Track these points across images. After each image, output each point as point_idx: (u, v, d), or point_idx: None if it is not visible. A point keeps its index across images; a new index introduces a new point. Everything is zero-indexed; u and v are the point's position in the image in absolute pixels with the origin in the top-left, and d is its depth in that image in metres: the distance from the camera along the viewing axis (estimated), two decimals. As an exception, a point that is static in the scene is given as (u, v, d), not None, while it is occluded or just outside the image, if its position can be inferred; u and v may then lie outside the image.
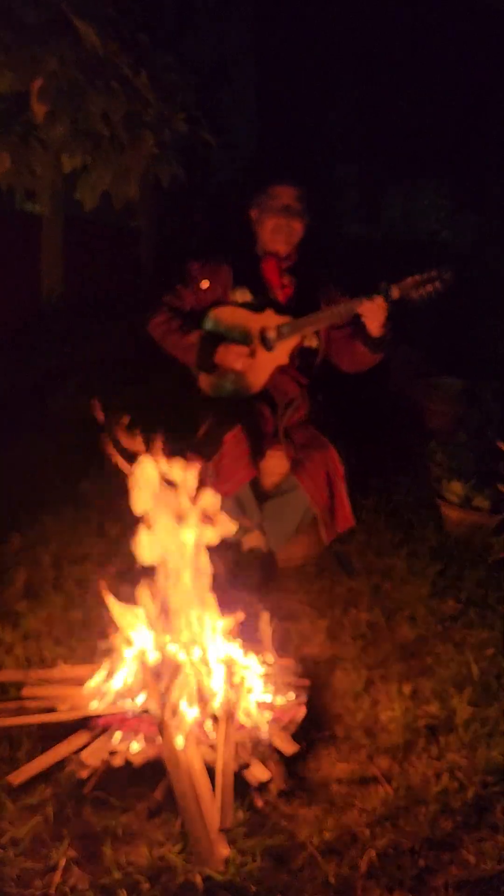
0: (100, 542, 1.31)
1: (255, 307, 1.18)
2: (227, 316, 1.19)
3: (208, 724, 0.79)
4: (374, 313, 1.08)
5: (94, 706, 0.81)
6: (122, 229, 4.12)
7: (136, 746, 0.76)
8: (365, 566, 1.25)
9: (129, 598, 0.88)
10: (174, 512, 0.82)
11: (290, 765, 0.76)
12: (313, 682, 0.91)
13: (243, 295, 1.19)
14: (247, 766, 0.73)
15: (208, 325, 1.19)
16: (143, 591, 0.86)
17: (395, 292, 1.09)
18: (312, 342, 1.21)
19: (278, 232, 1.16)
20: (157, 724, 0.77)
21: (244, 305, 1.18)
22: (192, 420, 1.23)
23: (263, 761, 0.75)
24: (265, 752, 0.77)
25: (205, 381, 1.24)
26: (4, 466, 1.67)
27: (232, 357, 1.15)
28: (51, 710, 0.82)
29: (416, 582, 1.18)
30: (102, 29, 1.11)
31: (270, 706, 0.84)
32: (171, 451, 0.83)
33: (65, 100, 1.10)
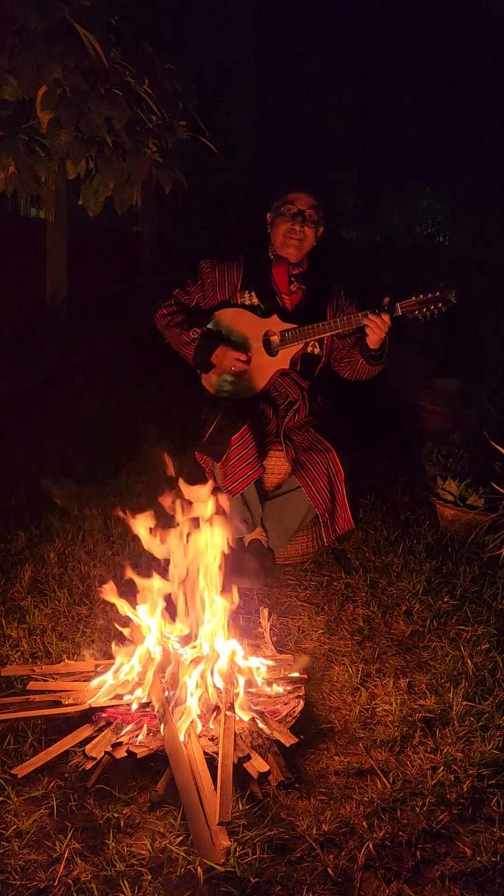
0: (103, 539, 1.32)
1: (262, 311, 1.20)
2: (230, 319, 1.21)
3: (209, 716, 0.80)
4: (377, 327, 1.11)
5: (98, 700, 0.83)
6: (125, 234, 4.16)
7: (138, 739, 0.78)
8: (362, 563, 1.27)
9: (132, 594, 0.90)
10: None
11: (288, 757, 0.78)
12: (311, 675, 0.93)
13: (250, 298, 1.21)
14: (247, 758, 0.74)
15: (211, 325, 1.21)
16: (146, 586, 0.88)
17: (398, 309, 1.11)
18: (315, 349, 1.23)
19: (290, 237, 1.17)
20: (159, 718, 0.78)
21: (250, 308, 1.20)
22: (196, 420, 1.25)
23: (263, 754, 0.76)
24: (265, 744, 0.78)
25: (207, 380, 1.25)
26: (10, 465, 1.68)
27: (229, 360, 1.17)
28: (55, 703, 0.83)
29: (412, 578, 1.19)
30: (105, 37, 1.13)
31: (270, 699, 0.85)
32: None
33: (69, 107, 1.12)
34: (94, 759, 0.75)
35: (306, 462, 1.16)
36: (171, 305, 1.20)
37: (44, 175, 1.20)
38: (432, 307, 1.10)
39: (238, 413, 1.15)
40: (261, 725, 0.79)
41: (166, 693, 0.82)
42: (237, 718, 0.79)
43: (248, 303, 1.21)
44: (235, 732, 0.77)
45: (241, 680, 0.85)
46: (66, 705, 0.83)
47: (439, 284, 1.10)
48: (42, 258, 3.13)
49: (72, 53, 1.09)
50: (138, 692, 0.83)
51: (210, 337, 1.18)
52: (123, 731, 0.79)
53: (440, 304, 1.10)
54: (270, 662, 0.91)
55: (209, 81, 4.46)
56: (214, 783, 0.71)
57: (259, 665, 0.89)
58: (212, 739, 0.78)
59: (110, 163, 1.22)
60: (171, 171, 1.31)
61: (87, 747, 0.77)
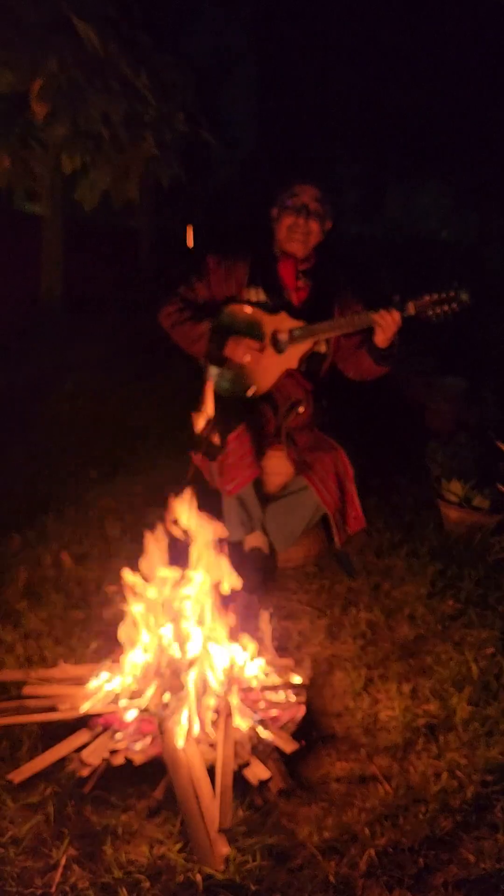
0: (100, 541, 1.31)
1: (269, 308, 1.17)
2: (238, 315, 1.18)
3: (208, 722, 0.79)
4: (387, 325, 1.08)
5: (95, 705, 0.82)
6: (121, 229, 4.13)
7: (136, 745, 0.76)
8: (365, 566, 1.25)
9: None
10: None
11: (289, 763, 0.77)
12: (313, 681, 0.92)
13: (257, 294, 1.18)
14: (247, 764, 0.74)
15: (221, 319, 1.18)
16: (145, 589, 0.87)
17: (410, 308, 1.08)
18: (321, 347, 1.21)
19: (294, 231, 1.13)
20: (157, 723, 0.77)
21: (258, 305, 1.17)
22: (194, 420, 1.24)
23: (263, 760, 0.75)
24: (265, 750, 0.77)
25: (210, 378, 1.22)
26: (4, 466, 1.67)
27: (242, 350, 1.13)
28: (51, 709, 0.82)
29: (416, 581, 1.18)
30: (102, 29, 1.10)
31: (270, 705, 0.84)
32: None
33: (65, 100, 1.09)
34: (92, 765, 0.74)
35: (313, 462, 1.13)
36: (177, 302, 1.16)
37: (39, 169, 1.17)
38: (445, 307, 1.07)
39: (235, 413, 1.12)
40: (261, 731, 0.78)
41: (164, 698, 0.81)
42: (237, 724, 0.78)
43: (254, 299, 1.18)
44: (235, 738, 0.76)
45: (242, 685, 0.83)
46: (63, 711, 0.82)
47: (453, 284, 1.06)
48: (37, 254, 3.10)
49: (68, 46, 1.06)
50: (136, 698, 0.82)
51: (221, 329, 1.15)
52: (121, 737, 0.78)
53: (453, 305, 1.07)
54: (271, 667, 0.90)
55: (208, 74, 4.40)
56: (214, 790, 0.69)
57: (259, 670, 0.88)
58: (211, 745, 0.77)
59: (107, 156, 1.20)
60: (169, 164, 1.28)
61: (84, 753, 0.76)
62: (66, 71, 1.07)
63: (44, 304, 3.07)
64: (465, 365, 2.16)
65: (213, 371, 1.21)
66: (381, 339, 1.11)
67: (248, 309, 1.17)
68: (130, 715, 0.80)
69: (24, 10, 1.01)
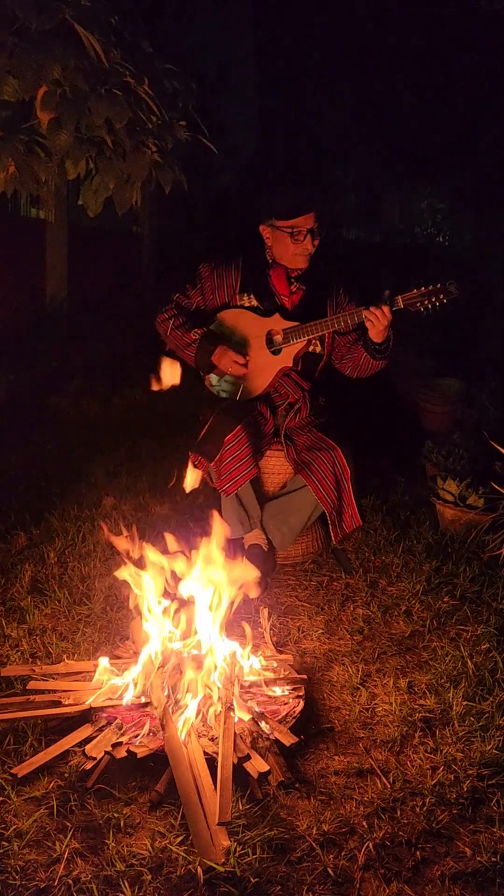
0: (104, 539, 1.33)
1: (263, 312, 1.21)
2: (232, 319, 1.22)
3: (209, 716, 0.80)
4: (377, 320, 1.11)
5: (98, 700, 0.83)
6: (124, 234, 4.17)
7: (138, 739, 0.78)
8: (362, 563, 1.27)
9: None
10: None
11: (288, 757, 0.78)
12: (311, 675, 0.93)
13: (249, 300, 1.22)
14: (247, 758, 0.75)
15: (213, 326, 1.22)
16: (147, 587, 0.88)
17: (399, 302, 1.12)
18: (317, 348, 1.24)
19: (301, 254, 1.17)
20: (159, 718, 0.79)
21: (252, 310, 1.21)
22: (193, 421, 1.26)
23: (263, 753, 0.76)
24: (265, 744, 0.78)
25: (207, 381, 1.26)
26: (9, 466, 1.69)
27: (227, 361, 1.18)
28: (55, 703, 0.83)
29: (412, 578, 1.20)
30: (105, 37, 1.13)
31: (270, 699, 0.85)
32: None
33: (69, 107, 1.12)
34: (94, 758, 0.75)
35: (311, 461, 1.16)
36: (171, 309, 1.21)
37: (44, 175, 1.20)
38: (434, 299, 1.10)
39: (232, 413, 1.15)
40: (261, 725, 0.80)
41: (166, 693, 0.82)
42: (237, 718, 0.79)
43: (247, 304, 1.22)
44: (235, 732, 0.77)
45: (242, 679, 0.85)
46: (66, 705, 0.83)
47: (440, 278, 1.10)
48: (42, 258, 3.14)
49: (72, 53, 1.09)
50: (139, 692, 0.83)
51: (211, 337, 1.19)
52: (123, 731, 0.79)
53: (441, 297, 1.10)
54: (270, 662, 0.91)
55: (209, 81, 4.46)
56: (214, 783, 0.71)
57: (259, 665, 0.89)
58: (212, 739, 0.78)
59: (110, 163, 1.22)
60: (171, 171, 1.30)
61: (87, 747, 0.77)
62: (70, 78, 1.09)
63: (49, 306, 3.10)
64: (462, 366, 2.19)
65: (214, 375, 1.23)
66: (374, 333, 1.14)
67: (240, 314, 1.20)
68: (132, 708, 0.81)
69: (29, 18, 1.03)
